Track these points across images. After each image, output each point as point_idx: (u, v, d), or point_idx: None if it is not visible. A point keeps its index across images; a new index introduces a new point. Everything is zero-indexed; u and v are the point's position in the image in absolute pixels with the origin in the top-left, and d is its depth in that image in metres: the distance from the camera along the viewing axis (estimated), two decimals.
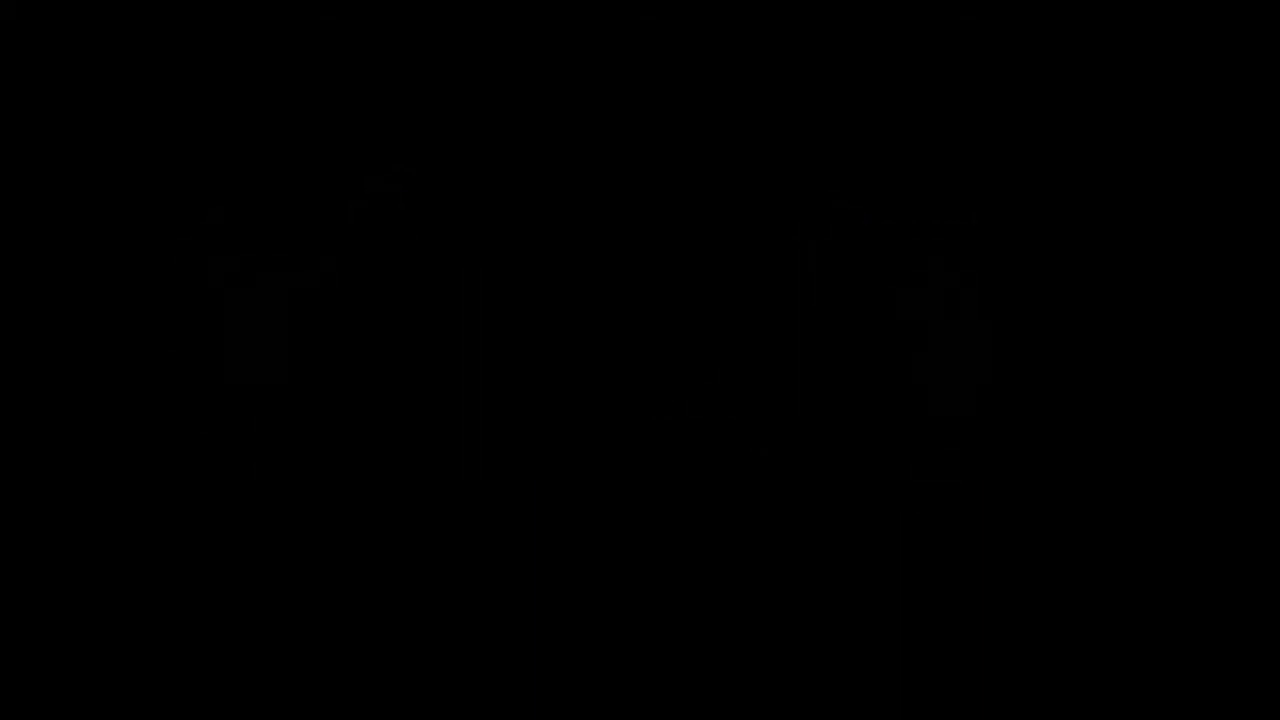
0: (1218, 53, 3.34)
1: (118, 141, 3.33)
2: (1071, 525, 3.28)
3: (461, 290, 3.33)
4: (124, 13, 3.34)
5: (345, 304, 3.32)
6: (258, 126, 3.34)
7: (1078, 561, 3.27)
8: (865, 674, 3.26)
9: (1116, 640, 3.26)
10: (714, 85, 3.36)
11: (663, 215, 3.36)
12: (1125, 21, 3.35)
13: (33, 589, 3.25)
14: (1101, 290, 3.32)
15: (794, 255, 3.34)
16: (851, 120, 3.36)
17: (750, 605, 3.28)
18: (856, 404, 3.31)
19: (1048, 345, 3.31)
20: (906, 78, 3.35)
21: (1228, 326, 3.30)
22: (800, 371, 3.32)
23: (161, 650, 3.25)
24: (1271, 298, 3.30)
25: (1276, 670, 3.23)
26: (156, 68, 3.34)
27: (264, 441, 3.29)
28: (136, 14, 3.34)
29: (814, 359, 3.32)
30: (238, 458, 3.29)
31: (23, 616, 3.25)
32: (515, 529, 3.29)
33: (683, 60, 3.36)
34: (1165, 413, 3.29)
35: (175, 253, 3.31)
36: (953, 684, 3.26)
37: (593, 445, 3.30)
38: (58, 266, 3.31)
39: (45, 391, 3.28)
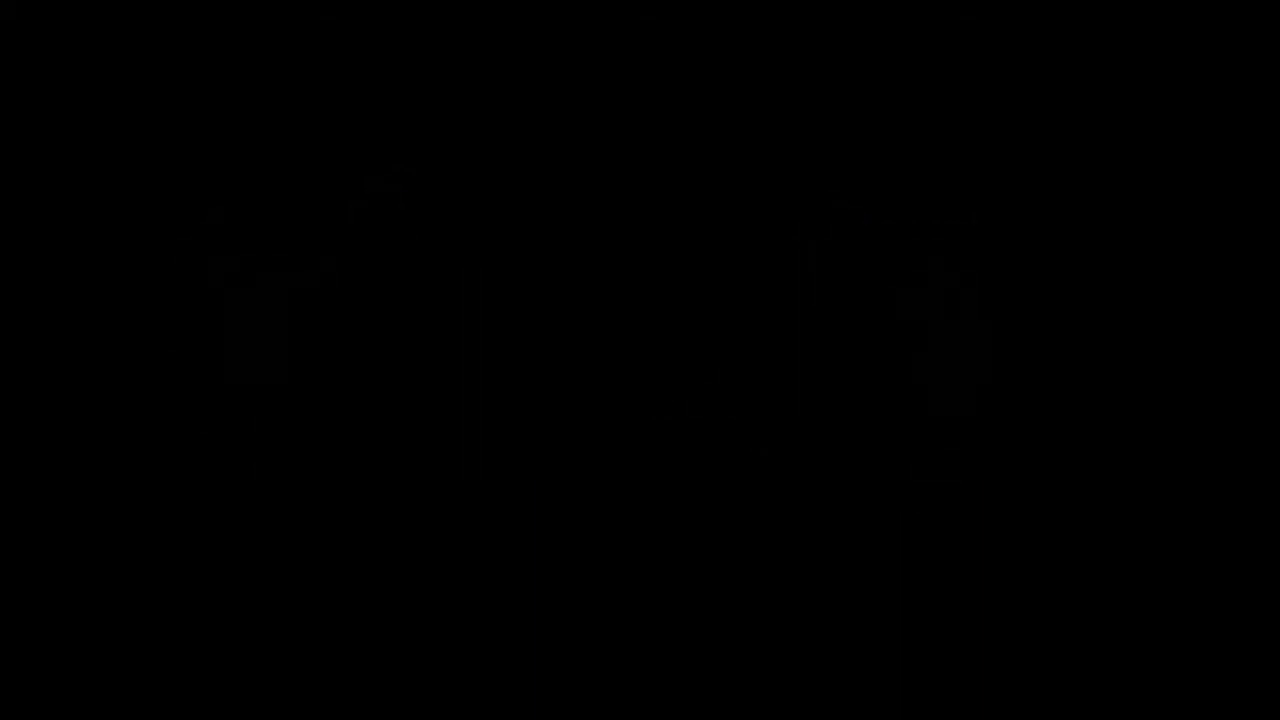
0: (1218, 53, 3.34)
1: (118, 141, 3.33)
2: (1071, 525, 3.28)
3: (461, 290, 3.33)
4: (124, 13, 3.34)
5: (345, 304, 3.32)
6: (257, 127, 3.35)
7: (1077, 561, 3.27)
8: (865, 674, 3.26)
9: (1116, 640, 3.26)
10: (714, 86, 3.36)
11: (663, 215, 3.36)
12: (1125, 21, 3.35)
13: (33, 588, 3.25)
14: (1101, 290, 3.32)
15: (794, 255, 3.34)
16: (851, 120, 3.36)
17: (750, 605, 3.28)
18: (856, 404, 3.31)
19: (1048, 345, 3.31)
20: (906, 78, 3.36)
21: (1227, 326, 3.30)
22: (800, 371, 3.32)
23: (161, 649, 3.25)
24: (1271, 298, 3.30)
25: (1277, 670, 3.24)
26: (156, 68, 3.34)
27: (264, 441, 3.29)
28: (136, 14, 3.34)
29: (814, 359, 3.32)
30: (238, 458, 3.29)
31: (23, 615, 3.25)
32: (515, 529, 3.29)
33: (682, 61, 3.36)
34: (1165, 412, 3.29)
35: (175, 253, 3.32)
36: (952, 684, 3.26)
37: (593, 445, 3.30)
38: (58, 266, 3.31)
39: (46, 391, 3.28)
